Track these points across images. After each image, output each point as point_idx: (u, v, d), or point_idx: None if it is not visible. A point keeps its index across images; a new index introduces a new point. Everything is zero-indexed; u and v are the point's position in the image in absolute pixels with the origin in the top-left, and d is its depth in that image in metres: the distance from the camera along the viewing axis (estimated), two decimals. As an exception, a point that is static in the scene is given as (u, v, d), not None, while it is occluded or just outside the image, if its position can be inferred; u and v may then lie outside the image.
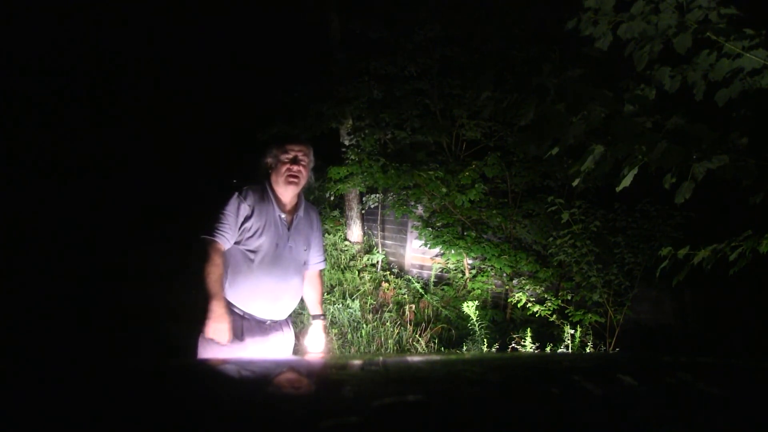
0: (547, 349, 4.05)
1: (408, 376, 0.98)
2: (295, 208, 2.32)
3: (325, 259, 2.55)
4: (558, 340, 4.31)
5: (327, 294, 5.85)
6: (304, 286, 2.43)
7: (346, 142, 7.07)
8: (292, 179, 2.21)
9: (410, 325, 4.92)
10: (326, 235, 8.38)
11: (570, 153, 3.05)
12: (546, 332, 4.60)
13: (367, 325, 4.85)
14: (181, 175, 9.14)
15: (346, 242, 7.99)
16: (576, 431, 0.64)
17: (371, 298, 5.81)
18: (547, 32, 5.22)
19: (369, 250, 7.82)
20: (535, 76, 2.21)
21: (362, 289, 6.10)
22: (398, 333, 4.69)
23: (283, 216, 2.25)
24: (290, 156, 2.21)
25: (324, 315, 2.54)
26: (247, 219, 2.17)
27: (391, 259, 7.62)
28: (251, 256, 2.18)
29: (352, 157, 5.99)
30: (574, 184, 2.39)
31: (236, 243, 2.19)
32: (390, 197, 6.53)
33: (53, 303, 4.69)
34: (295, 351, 2.62)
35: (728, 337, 4.56)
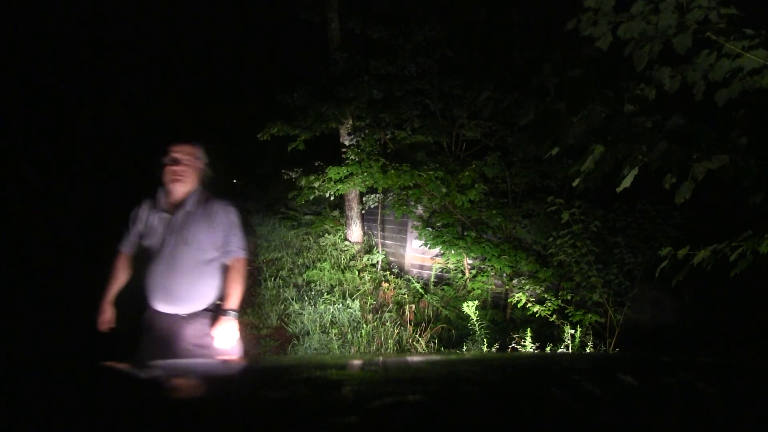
0: (547, 349, 4.05)
1: (408, 376, 0.98)
2: (185, 204, 2.42)
3: (235, 250, 2.45)
4: (558, 340, 4.30)
5: (327, 294, 5.84)
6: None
7: (346, 142, 7.07)
8: (173, 178, 2.40)
9: (410, 325, 4.92)
10: (326, 235, 8.38)
11: (570, 153, 3.05)
12: (546, 332, 4.60)
13: (367, 325, 4.84)
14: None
15: (346, 242, 7.99)
16: (576, 431, 0.64)
17: (371, 298, 5.80)
18: (547, 32, 5.23)
19: (369, 250, 7.82)
20: (535, 76, 2.21)
21: (362, 289, 6.10)
22: (398, 333, 4.69)
23: (165, 215, 2.42)
24: (172, 158, 2.40)
25: (234, 311, 2.39)
26: (139, 223, 2.48)
27: (391, 259, 7.62)
28: (145, 254, 2.43)
29: (352, 157, 5.99)
30: (575, 184, 2.39)
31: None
32: (390, 197, 6.53)
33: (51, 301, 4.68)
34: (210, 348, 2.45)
35: (728, 337, 4.56)
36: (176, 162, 2.39)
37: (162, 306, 2.35)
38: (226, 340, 2.36)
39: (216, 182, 2.56)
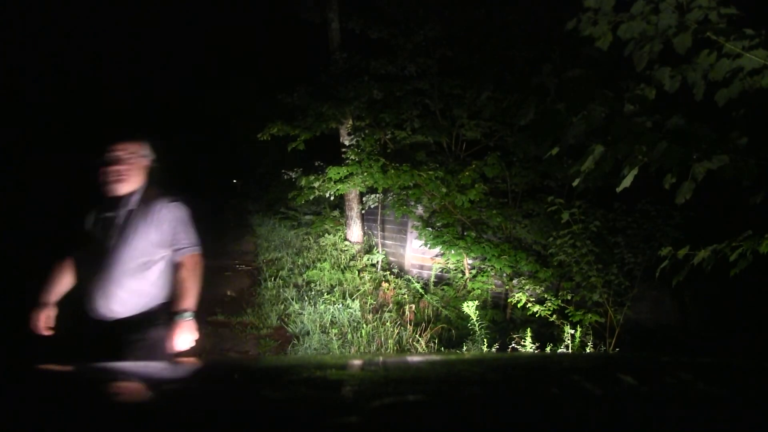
0: (547, 349, 4.05)
1: (408, 376, 0.98)
2: (126, 204, 2.32)
3: (185, 247, 2.34)
4: (558, 340, 4.30)
5: (327, 294, 5.85)
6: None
7: (346, 142, 7.07)
8: (114, 178, 2.28)
9: (410, 325, 4.92)
10: (326, 235, 8.38)
11: (570, 153, 3.05)
12: (546, 332, 4.60)
13: (367, 325, 4.84)
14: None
15: (346, 242, 7.99)
16: (576, 431, 0.64)
17: (371, 298, 5.80)
18: (547, 32, 5.23)
19: (369, 250, 7.83)
20: (535, 76, 2.21)
21: (362, 289, 6.10)
22: (398, 333, 4.69)
23: (107, 215, 2.31)
24: (109, 157, 2.29)
25: (188, 311, 2.26)
26: (86, 225, 2.37)
27: (391, 259, 7.62)
28: (83, 257, 2.33)
29: (352, 157, 5.99)
30: (575, 184, 2.39)
31: None
32: (390, 197, 6.53)
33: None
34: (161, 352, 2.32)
35: (728, 337, 4.56)
36: (117, 161, 2.27)
37: (105, 309, 2.23)
38: (180, 342, 2.24)
39: (164, 178, 2.45)
